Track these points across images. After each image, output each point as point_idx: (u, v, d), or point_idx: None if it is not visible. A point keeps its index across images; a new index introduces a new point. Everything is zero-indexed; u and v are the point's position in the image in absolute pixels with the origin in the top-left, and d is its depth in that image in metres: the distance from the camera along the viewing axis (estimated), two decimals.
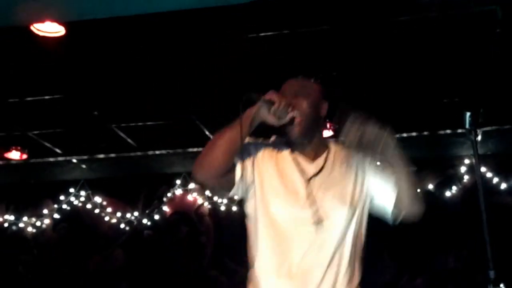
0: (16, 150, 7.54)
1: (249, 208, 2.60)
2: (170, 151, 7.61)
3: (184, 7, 4.33)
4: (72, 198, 8.69)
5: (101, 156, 7.92)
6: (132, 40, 4.99)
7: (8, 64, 5.33)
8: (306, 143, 2.62)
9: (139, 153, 7.68)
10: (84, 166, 8.27)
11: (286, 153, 2.65)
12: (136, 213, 8.62)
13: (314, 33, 4.93)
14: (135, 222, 8.64)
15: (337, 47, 5.20)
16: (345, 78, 5.70)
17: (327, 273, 2.44)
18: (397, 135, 6.98)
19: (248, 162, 2.58)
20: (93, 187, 8.69)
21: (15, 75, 5.58)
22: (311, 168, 2.59)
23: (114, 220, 8.70)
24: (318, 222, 2.45)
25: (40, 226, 8.77)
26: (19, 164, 7.91)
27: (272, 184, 2.55)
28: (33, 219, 8.76)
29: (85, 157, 7.97)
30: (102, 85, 5.86)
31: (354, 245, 2.52)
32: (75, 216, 8.69)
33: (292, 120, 2.53)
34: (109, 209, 8.71)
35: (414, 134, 7.05)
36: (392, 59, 5.41)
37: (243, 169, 2.56)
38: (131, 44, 5.06)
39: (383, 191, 2.60)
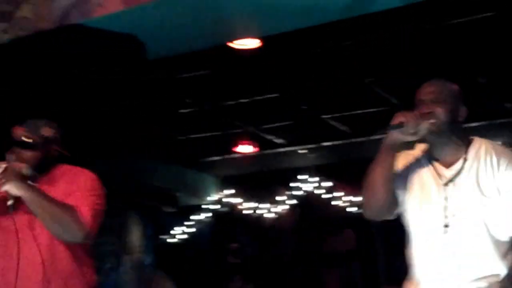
0: (248, 144, 8.89)
1: (403, 218, 2.90)
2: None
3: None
4: (303, 185, 9.92)
5: (325, 144, 8.90)
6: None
7: (219, 76, 6.57)
8: (442, 148, 2.78)
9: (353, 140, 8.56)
10: (310, 154, 9.39)
11: (423, 159, 2.86)
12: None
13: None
14: None
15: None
16: None
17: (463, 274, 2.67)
18: None
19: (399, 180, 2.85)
20: (321, 173, 9.82)
21: (227, 83, 6.84)
22: (447, 173, 2.76)
23: (343, 204, 9.77)
24: (446, 226, 2.69)
25: (277, 212, 10.12)
26: (252, 156, 9.29)
27: (413, 194, 2.82)
28: (269, 205, 10.15)
29: (310, 146, 9.07)
30: (307, 81, 6.86)
31: (489, 243, 2.67)
32: (307, 201, 9.91)
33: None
34: (338, 194, 9.78)
35: None
36: None
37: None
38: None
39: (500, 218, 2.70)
